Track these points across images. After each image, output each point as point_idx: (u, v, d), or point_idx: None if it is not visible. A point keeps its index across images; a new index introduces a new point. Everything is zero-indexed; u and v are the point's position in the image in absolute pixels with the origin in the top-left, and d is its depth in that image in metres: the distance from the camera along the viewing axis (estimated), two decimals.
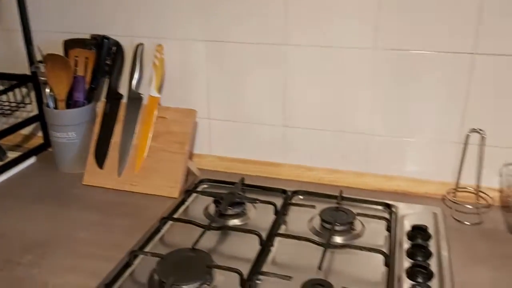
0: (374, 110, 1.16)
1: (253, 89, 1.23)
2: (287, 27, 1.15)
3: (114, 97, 1.28)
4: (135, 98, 1.26)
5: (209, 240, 0.98)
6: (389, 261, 0.88)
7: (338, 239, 0.98)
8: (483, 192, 1.11)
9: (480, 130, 1.08)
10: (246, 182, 1.19)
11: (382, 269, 0.88)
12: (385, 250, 0.91)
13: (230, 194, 1.09)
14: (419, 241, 0.94)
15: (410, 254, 0.90)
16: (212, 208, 1.09)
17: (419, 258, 0.89)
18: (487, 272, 0.90)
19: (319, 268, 0.85)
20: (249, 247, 0.95)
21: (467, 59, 1.06)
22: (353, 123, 1.19)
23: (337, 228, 0.99)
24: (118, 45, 1.28)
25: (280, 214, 1.06)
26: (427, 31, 1.06)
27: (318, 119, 1.21)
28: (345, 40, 1.13)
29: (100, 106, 1.28)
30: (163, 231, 1.02)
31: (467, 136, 1.10)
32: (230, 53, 1.22)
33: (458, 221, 1.06)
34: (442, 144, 1.14)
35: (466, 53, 1.06)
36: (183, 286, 0.82)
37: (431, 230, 0.98)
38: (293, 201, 1.12)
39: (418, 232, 0.96)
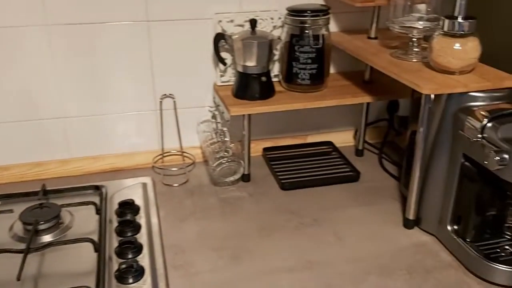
0: (66, 92, 1.09)
1: None
2: None
3: None
4: None
5: None
6: (98, 247, 0.85)
7: (46, 238, 0.89)
8: (186, 152, 1.18)
9: (171, 94, 1.13)
10: None
11: (94, 255, 0.85)
12: (95, 235, 0.87)
13: None
14: (128, 216, 0.93)
15: (120, 232, 0.89)
16: None
17: (129, 234, 0.89)
18: (193, 226, 0.97)
19: (18, 279, 0.76)
20: None
21: (144, 27, 1.08)
22: (47, 109, 1.09)
23: (41, 227, 0.90)
24: None
25: None
26: (101, 2, 1.03)
27: (6, 110, 1.07)
28: (11, 18, 1.00)
29: None
30: None
31: (161, 102, 1.14)
32: None
33: (167, 185, 1.10)
34: (142, 114, 1.16)
35: (142, 21, 1.07)
36: None
37: (139, 202, 0.98)
38: None
39: (126, 208, 0.95)
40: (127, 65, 1.10)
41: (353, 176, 1.15)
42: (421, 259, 0.89)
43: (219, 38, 1.08)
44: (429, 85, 0.86)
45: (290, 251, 0.91)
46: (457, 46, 0.86)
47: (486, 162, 0.78)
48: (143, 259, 0.83)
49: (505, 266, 0.82)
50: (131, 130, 1.17)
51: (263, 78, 1.07)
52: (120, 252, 0.83)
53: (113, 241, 0.88)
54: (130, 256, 0.83)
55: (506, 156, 0.75)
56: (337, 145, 1.28)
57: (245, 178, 1.13)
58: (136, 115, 1.15)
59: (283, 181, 1.11)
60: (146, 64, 1.11)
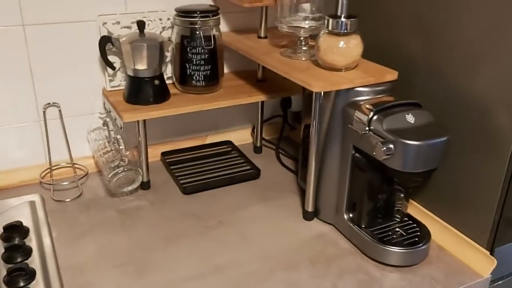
0: None
1: None
2: None
3: None
4: None
5: None
6: None
7: None
8: (78, 164, 1.11)
9: (55, 103, 1.05)
10: None
11: None
12: None
13: None
14: (16, 240, 0.85)
15: (7, 258, 0.81)
16: None
17: (19, 259, 0.81)
18: (92, 243, 0.91)
19: None
20: None
21: (19, 32, 0.99)
22: None
23: None
24: None
25: None
26: None
27: None
28: None
29: None
30: None
31: (44, 112, 1.05)
32: None
33: (58, 201, 1.02)
34: (23, 126, 1.06)
35: (16, 25, 0.98)
36: None
37: (28, 223, 0.90)
38: None
39: (14, 231, 0.87)
40: (1, 74, 1.00)
41: (254, 174, 1.16)
42: (322, 249, 0.93)
43: (105, 41, 1.02)
44: (318, 83, 0.89)
45: (197, 257, 0.89)
46: (341, 44, 0.91)
47: (374, 153, 0.83)
48: (37, 286, 0.76)
49: (397, 248, 0.88)
50: (11, 145, 1.06)
51: (156, 82, 1.03)
52: (10, 281, 0.76)
53: (1, 269, 0.80)
54: (21, 284, 0.76)
55: (391, 146, 0.81)
56: (236, 143, 1.29)
57: (145, 186, 1.08)
58: (15, 128, 1.05)
59: (184, 185, 1.09)
60: (24, 72, 1.02)
